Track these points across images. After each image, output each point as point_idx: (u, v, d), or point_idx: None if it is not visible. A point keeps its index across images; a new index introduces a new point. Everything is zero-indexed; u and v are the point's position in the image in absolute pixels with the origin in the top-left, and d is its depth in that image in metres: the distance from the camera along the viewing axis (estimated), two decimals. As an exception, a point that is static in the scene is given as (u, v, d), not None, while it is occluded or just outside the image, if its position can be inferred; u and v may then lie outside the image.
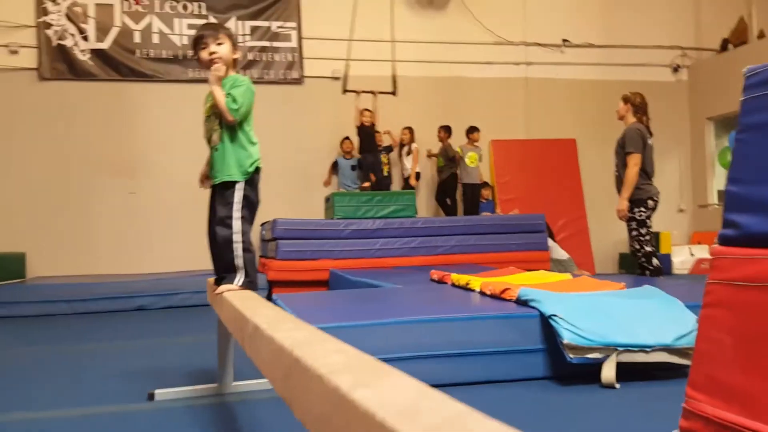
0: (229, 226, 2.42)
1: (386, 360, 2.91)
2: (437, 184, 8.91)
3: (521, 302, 3.10)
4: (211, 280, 2.97)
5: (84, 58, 8.31)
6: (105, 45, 8.38)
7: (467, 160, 8.55)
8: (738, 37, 9.70)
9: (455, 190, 8.72)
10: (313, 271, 6.56)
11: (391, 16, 8.26)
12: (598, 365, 2.74)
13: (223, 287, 2.35)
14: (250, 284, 2.44)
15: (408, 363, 2.72)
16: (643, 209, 4.88)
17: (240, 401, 2.78)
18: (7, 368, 3.86)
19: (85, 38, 8.31)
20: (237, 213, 2.43)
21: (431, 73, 9.35)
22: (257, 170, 2.54)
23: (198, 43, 2.59)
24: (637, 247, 4.95)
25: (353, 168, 8.43)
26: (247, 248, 2.45)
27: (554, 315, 2.80)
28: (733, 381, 1.06)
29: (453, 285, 4.27)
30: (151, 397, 2.79)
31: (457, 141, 8.80)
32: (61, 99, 8.19)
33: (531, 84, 9.82)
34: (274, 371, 1.25)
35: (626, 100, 5.02)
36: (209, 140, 2.61)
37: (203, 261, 8.10)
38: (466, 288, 3.98)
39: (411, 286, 4.48)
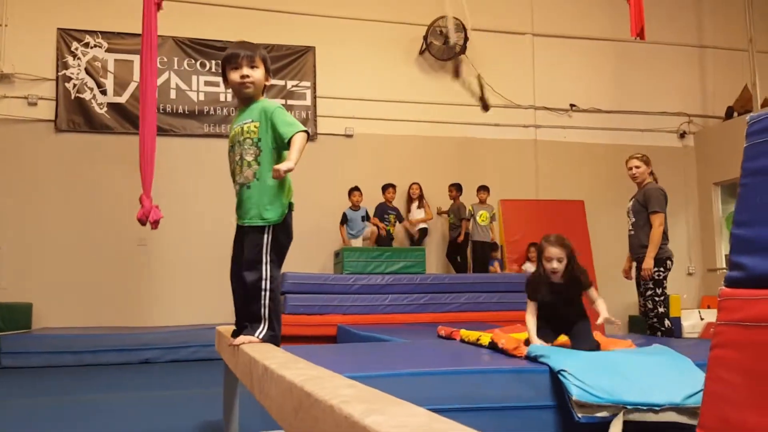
0: (258, 271, 2.17)
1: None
2: (448, 241, 8.93)
3: (531, 358, 3.07)
4: (221, 328, 2.97)
5: (101, 111, 8.52)
6: (122, 99, 8.61)
7: (478, 218, 8.61)
8: (742, 105, 9.85)
9: (466, 248, 8.74)
10: (321, 326, 6.54)
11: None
12: (606, 424, 2.69)
13: (242, 338, 2.12)
14: (272, 338, 2.19)
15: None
16: (661, 269, 4.83)
17: (244, 452, 2.74)
18: (12, 419, 3.83)
19: (104, 92, 8.54)
20: (267, 256, 2.19)
21: (442, 133, 9.51)
22: (291, 207, 2.33)
23: (231, 61, 2.31)
24: (651, 307, 4.88)
25: (363, 219, 8.43)
26: (273, 297, 2.20)
27: (563, 370, 2.77)
28: (744, 420, 1.06)
29: (462, 341, 4.23)
30: (154, 445, 2.76)
31: (468, 200, 8.87)
32: (76, 151, 8.35)
33: (540, 146, 9.95)
34: (284, 408, 1.25)
35: (648, 162, 5.03)
36: (237, 174, 2.30)
37: (211, 314, 8.08)
38: (475, 344, 3.95)
39: (420, 340, 4.45)
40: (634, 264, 5.09)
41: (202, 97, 8.87)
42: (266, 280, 2.17)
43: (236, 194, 2.32)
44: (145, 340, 6.77)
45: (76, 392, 4.84)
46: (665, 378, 2.83)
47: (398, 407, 0.85)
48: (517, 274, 8.23)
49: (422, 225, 8.68)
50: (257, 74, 2.30)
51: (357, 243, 8.16)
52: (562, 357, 2.90)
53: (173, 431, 3.21)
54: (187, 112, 8.80)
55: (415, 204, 8.72)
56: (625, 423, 2.68)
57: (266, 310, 2.16)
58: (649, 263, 4.79)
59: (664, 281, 4.85)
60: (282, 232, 2.26)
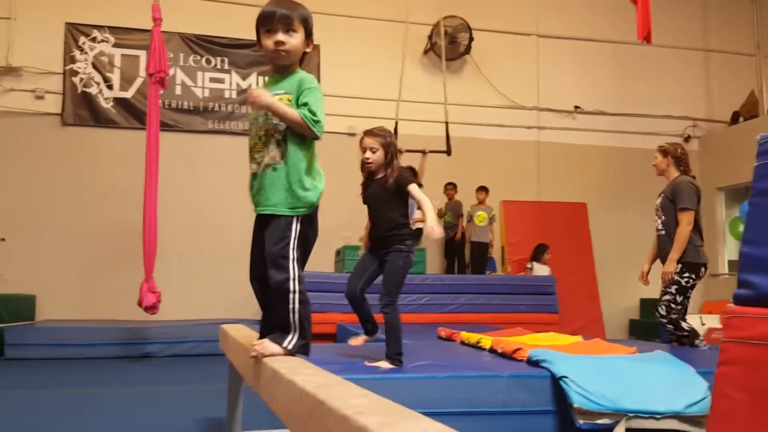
0: (285, 269, 1.86)
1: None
2: (444, 240, 8.92)
3: (532, 362, 3.09)
4: (226, 327, 2.98)
5: (107, 105, 8.54)
6: (128, 94, 8.63)
7: (476, 219, 8.61)
8: (749, 110, 9.86)
9: (463, 247, 8.73)
10: (321, 324, 6.54)
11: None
12: (607, 431, 2.71)
13: (265, 347, 1.80)
14: (303, 348, 1.87)
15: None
16: (693, 276, 4.23)
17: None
18: (15, 412, 3.85)
19: (110, 87, 8.56)
20: (293, 252, 1.88)
21: (436, 133, 9.47)
22: (319, 196, 2.00)
23: (265, 23, 1.96)
24: (663, 312, 4.29)
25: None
26: (303, 300, 1.88)
27: (565, 377, 2.79)
28: (750, 437, 1.08)
29: (462, 343, 4.26)
30: (158, 443, 2.78)
31: (466, 199, 8.86)
32: (82, 144, 8.38)
33: (543, 147, 9.95)
34: (294, 413, 1.27)
35: (665, 152, 4.44)
36: (260, 152, 1.97)
37: (213, 309, 8.09)
38: (476, 346, 3.97)
39: (421, 342, 4.47)
40: (650, 267, 4.56)
41: (207, 93, 8.88)
42: (294, 280, 1.85)
43: (255, 177, 1.98)
44: (147, 334, 6.80)
45: (78, 385, 4.86)
46: (666, 386, 2.85)
47: (412, 421, 0.86)
48: (517, 276, 8.24)
49: (419, 224, 8.60)
50: (295, 41, 1.96)
51: None
52: (564, 363, 2.92)
53: (176, 428, 3.23)
54: (191, 108, 8.81)
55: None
56: (627, 430, 2.70)
57: (296, 316, 1.85)
58: (671, 266, 4.20)
59: (691, 290, 4.25)
60: (309, 226, 1.95)
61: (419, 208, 8.25)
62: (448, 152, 8.17)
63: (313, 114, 1.90)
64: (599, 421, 2.70)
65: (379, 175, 3.18)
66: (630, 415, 2.71)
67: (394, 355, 3.08)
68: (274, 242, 1.89)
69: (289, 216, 1.91)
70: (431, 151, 8.08)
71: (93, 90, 8.49)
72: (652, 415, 2.72)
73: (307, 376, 1.38)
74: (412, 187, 3.15)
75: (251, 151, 2.01)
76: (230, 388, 2.86)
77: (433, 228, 2.96)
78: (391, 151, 3.18)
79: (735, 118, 10.07)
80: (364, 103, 9.16)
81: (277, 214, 1.91)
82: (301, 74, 2.00)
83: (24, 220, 8.12)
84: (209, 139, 8.79)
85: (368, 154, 3.17)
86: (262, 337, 1.95)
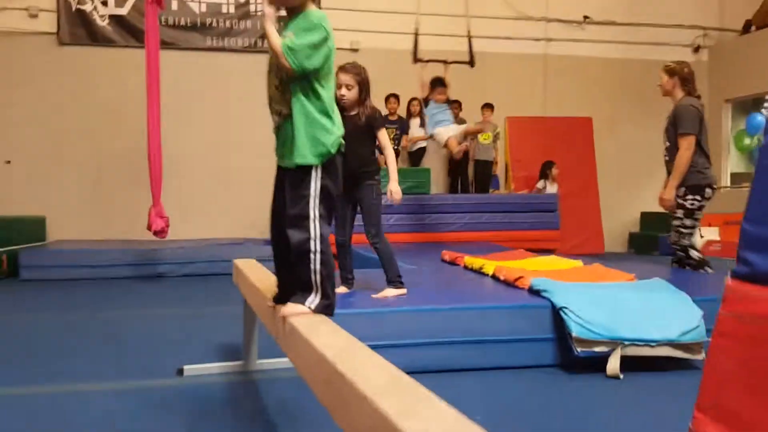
0: (305, 229, 1.81)
1: (403, 346, 3.08)
2: (448, 159, 8.89)
3: (533, 292, 3.22)
4: (238, 262, 3.08)
5: (103, 23, 8.36)
6: (124, 11, 8.42)
7: (480, 137, 8.55)
8: (762, 19, 9.60)
9: (467, 166, 8.72)
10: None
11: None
12: (604, 357, 2.86)
13: (290, 308, 1.78)
14: (327, 308, 1.83)
15: (423, 348, 2.86)
16: (698, 198, 4.18)
17: (265, 379, 2.92)
18: (34, 337, 4.02)
19: (105, 3, 8.35)
20: (315, 211, 1.81)
21: (449, 46, 9.30)
22: (338, 151, 1.89)
23: None
24: (675, 239, 4.28)
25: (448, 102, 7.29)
26: (325, 260, 1.83)
27: (565, 307, 2.92)
28: (738, 408, 1.17)
29: (465, 268, 4.38)
30: (180, 372, 2.94)
31: (471, 117, 8.78)
32: (80, 64, 8.27)
33: (550, 61, 9.79)
34: (314, 373, 1.36)
35: (672, 72, 4.26)
36: (276, 102, 1.91)
37: (222, 228, 8.21)
38: (479, 272, 4.10)
39: (425, 266, 4.59)
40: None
41: (204, 8, 8.66)
42: (315, 240, 1.80)
43: (274, 129, 1.93)
44: (159, 255, 6.96)
45: (94, 308, 5.03)
46: (662, 315, 2.97)
47: (429, 409, 0.94)
48: (520, 194, 8.31)
49: (421, 143, 8.39)
50: None
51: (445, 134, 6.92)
52: (564, 293, 3.04)
53: (195, 352, 3.38)
54: (189, 25, 8.62)
55: (416, 121, 8.43)
56: (622, 357, 2.85)
57: (317, 276, 1.80)
58: (669, 192, 4.17)
59: (697, 212, 4.21)
60: (330, 180, 1.85)
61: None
62: (471, 63, 7.93)
63: (290, 44, 1.77)
64: (596, 349, 2.85)
65: (352, 112, 3.24)
66: (626, 343, 2.85)
67: (395, 280, 3.29)
68: (294, 201, 1.83)
69: (304, 169, 1.82)
70: (454, 62, 7.84)
71: (87, 7, 8.28)
72: (647, 342, 2.87)
73: (324, 336, 1.46)
74: (382, 135, 3.35)
75: (270, 102, 1.94)
76: (245, 318, 2.98)
77: (392, 192, 3.32)
78: (365, 88, 3.26)
79: (747, 28, 9.82)
80: (367, 16, 8.94)
81: (293, 168, 1.84)
82: (308, 13, 1.85)
83: (29, 142, 8.14)
84: (209, 56, 8.65)
85: (344, 91, 3.19)
86: (279, 293, 1.96)
